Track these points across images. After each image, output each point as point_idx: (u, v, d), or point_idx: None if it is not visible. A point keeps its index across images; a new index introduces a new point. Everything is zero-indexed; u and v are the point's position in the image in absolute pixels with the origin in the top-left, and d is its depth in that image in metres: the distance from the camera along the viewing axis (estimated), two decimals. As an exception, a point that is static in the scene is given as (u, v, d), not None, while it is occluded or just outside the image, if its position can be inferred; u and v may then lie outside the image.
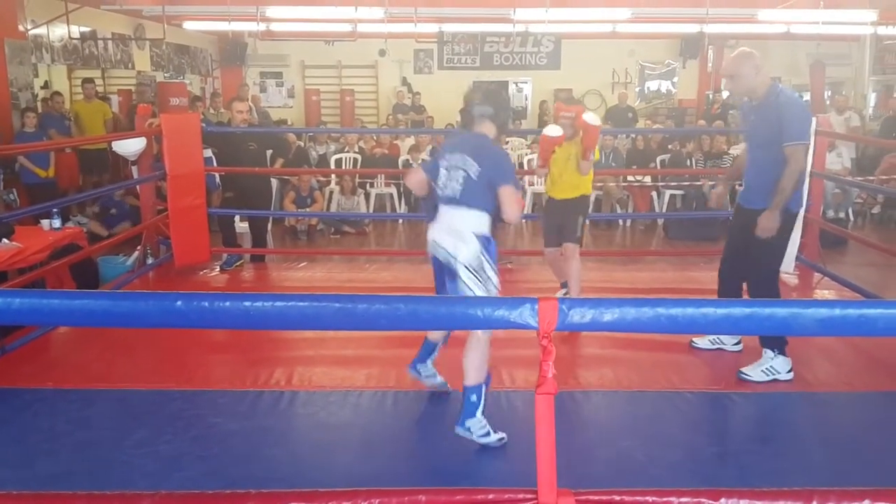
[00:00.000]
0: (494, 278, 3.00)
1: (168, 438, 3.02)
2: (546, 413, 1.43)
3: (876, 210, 9.40)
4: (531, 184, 9.63)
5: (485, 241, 2.99)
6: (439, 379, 3.42)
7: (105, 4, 10.12)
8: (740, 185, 3.94)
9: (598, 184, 9.34)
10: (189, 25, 12.04)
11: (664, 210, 9.15)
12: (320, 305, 1.34)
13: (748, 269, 3.61)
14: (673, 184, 9.22)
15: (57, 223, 5.11)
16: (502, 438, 2.95)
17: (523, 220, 9.09)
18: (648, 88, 15.60)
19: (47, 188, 7.88)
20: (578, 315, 1.35)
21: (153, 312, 1.35)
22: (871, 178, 8.82)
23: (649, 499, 1.55)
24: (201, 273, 5.67)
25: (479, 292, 2.93)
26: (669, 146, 10.17)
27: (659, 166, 9.66)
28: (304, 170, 9.04)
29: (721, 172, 8.90)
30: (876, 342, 3.67)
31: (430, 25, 12.42)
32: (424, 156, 9.83)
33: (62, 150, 8.56)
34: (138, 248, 5.71)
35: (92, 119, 9.43)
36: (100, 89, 10.70)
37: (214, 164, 6.37)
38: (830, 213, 8.26)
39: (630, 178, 9.28)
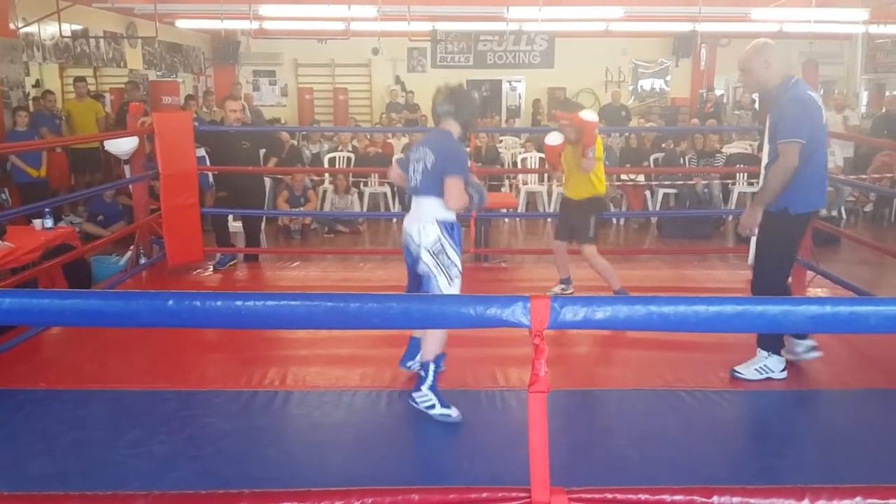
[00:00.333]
0: (457, 261, 3.25)
1: (162, 439, 3.01)
2: (539, 411, 1.43)
3: (868, 208, 9.45)
4: (525, 183, 9.64)
5: (447, 227, 3.25)
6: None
7: (97, 2, 10.08)
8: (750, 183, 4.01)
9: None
10: (181, 24, 12.01)
11: (658, 208, 9.16)
12: (312, 304, 1.33)
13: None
14: (666, 182, 9.23)
15: (49, 223, 5.09)
16: (448, 415, 3.16)
17: (517, 220, 9.12)
18: (642, 87, 15.63)
19: (39, 188, 7.84)
20: (571, 313, 1.35)
21: (145, 312, 1.35)
22: (864, 176, 8.86)
23: (642, 497, 1.56)
24: (194, 273, 5.65)
25: (441, 276, 3.22)
26: (663, 145, 10.19)
27: (652, 165, 9.67)
28: (297, 169, 9.03)
29: (714, 171, 8.94)
30: (869, 339, 3.68)
31: (423, 24, 12.41)
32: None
33: (54, 149, 8.52)
34: (131, 247, 5.69)
35: (84, 118, 9.38)
36: (92, 88, 10.65)
37: (207, 163, 6.36)
38: (823, 212, 8.30)
39: (624, 176, 9.28)
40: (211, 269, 5.75)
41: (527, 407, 1.50)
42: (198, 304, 1.32)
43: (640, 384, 3.58)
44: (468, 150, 8.72)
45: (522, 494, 1.57)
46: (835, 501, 1.47)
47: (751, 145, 10.42)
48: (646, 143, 10.21)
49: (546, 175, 9.76)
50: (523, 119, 15.18)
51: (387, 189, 9.53)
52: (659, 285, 5.44)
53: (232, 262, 5.90)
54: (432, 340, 3.23)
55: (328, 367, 3.77)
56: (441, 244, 3.22)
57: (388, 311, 1.33)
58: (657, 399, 3.42)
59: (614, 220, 9.13)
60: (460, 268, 3.26)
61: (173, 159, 5.33)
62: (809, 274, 5.30)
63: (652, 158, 9.82)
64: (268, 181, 7.83)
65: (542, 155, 10.05)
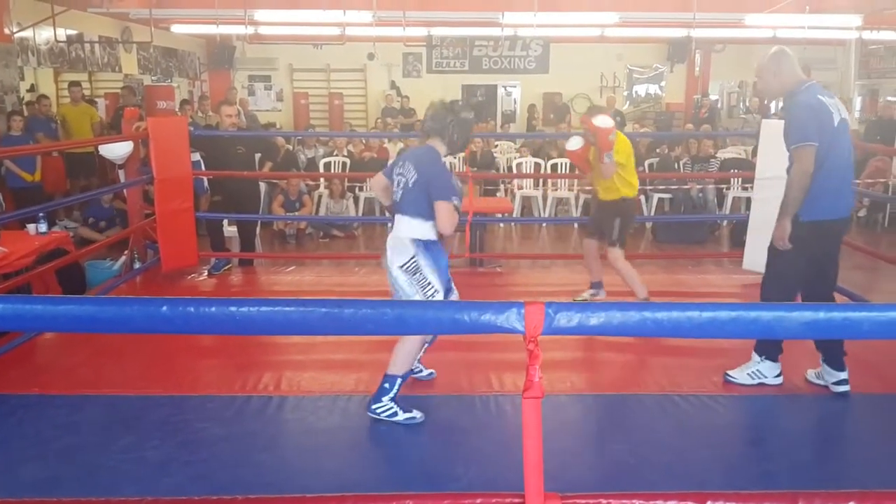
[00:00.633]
0: (436, 281, 3.20)
1: (155, 444, 3.00)
2: (533, 417, 1.43)
3: (862, 213, 9.48)
4: (520, 187, 9.65)
5: (422, 246, 3.19)
6: (425, 371, 3.69)
7: (92, 7, 10.07)
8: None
9: (588, 188, 9.39)
10: (177, 28, 12.00)
11: (652, 213, 9.18)
12: (307, 310, 1.33)
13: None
14: (661, 187, 9.25)
15: (43, 227, 5.07)
16: (412, 417, 3.20)
17: (512, 224, 9.13)
18: (636, 92, 15.67)
19: (33, 192, 7.83)
20: (565, 319, 1.36)
21: (138, 318, 1.34)
22: (857, 181, 8.89)
23: (636, 502, 1.56)
24: (189, 277, 5.64)
25: (415, 294, 3.17)
26: (657, 150, 10.22)
27: (647, 170, 9.69)
28: (292, 174, 9.02)
29: (708, 176, 8.96)
30: (864, 345, 3.68)
31: (418, 29, 12.44)
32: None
33: (49, 153, 8.51)
34: (125, 252, 5.68)
35: (79, 122, 9.38)
36: (87, 93, 10.64)
37: (202, 167, 6.35)
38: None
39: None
40: (206, 273, 5.74)
41: (521, 412, 1.50)
42: (192, 310, 1.32)
43: (636, 389, 3.58)
44: (463, 154, 8.77)
45: (517, 500, 1.56)
46: (828, 507, 1.47)
47: (745, 150, 10.46)
48: (640, 149, 10.22)
49: (541, 180, 9.78)
50: (518, 124, 15.21)
51: (382, 194, 9.52)
52: (654, 290, 5.43)
53: (227, 267, 5.89)
54: (405, 355, 3.22)
55: (323, 372, 3.76)
56: (416, 264, 3.18)
57: (382, 317, 1.33)
58: (652, 404, 3.42)
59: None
60: (438, 286, 3.20)
61: (168, 164, 5.33)
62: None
63: (647, 163, 9.84)
64: (263, 186, 7.83)
65: (538, 160, 10.09)
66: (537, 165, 9.98)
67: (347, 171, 9.71)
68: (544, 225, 9.34)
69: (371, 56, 14.33)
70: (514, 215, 9.07)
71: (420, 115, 13.36)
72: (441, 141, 3.26)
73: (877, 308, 1.37)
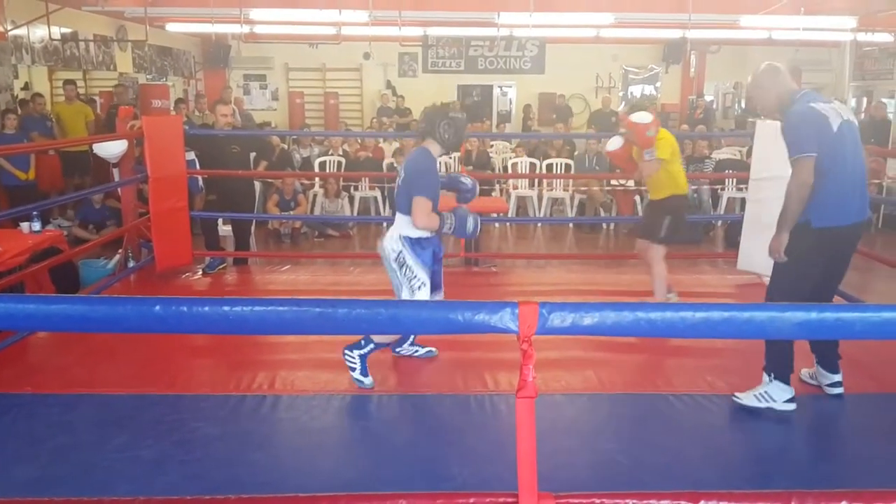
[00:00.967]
0: (422, 275, 3.45)
1: (150, 443, 3.00)
2: (527, 416, 1.43)
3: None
4: (515, 187, 9.66)
5: (409, 242, 3.43)
6: (424, 349, 3.94)
7: (86, 5, 10.03)
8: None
9: (583, 188, 9.40)
10: (172, 27, 11.96)
11: (648, 213, 9.18)
12: (300, 310, 1.33)
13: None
14: (656, 187, 9.25)
15: (37, 226, 5.05)
16: (362, 381, 3.51)
17: (507, 224, 9.13)
18: (632, 93, 15.68)
19: (27, 191, 7.80)
20: (559, 319, 1.36)
21: (130, 317, 1.34)
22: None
23: (629, 502, 1.56)
24: (183, 277, 5.63)
25: (403, 284, 3.45)
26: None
27: (642, 170, 9.69)
28: (287, 173, 9.01)
29: (703, 176, 8.98)
30: (858, 345, 3.70)
31: (414, 29, 12.42)
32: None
33: (43, 152, 8.48)
34: (119, 251, 5.67)
35: (73, 121, 9.34)
36: (81, 91, 10.60)
37: (197, 166, 6.34)
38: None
39: (613, 181, 9.32)
40: (200, 272, 5.73)
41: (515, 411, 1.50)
42: (185, 309, 1.31)
43: (630, 388, 3.59)
44: (458, 154, 8.76)
45: (510, 499, 1.56)
46: (820, 506, 1.48)
47: (740, 151, 10.48)
48: (636, 149, 10.25)
49: (537, 181, 9.78)
50: (514, 124, 15.21)
51: (377, 193, 9.52)
52: (649, 289, 5.46)
53: (221, 266, 5.88)
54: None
55: (317, 371, 3.76)
56: (403, 258, 3.43)
57: (376, 317, 1.33)
58: (647, 403, 3.43)
59: (604, 225, 9.16)
60: (425, 280, 3.45)
61: (162, 163, 5.32)
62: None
63: (642, 164, 9.85)
64: (257, 185, 7.82)
65: (533, 160, 10.10)
66: (532, 165, 9.99)
67: (343, 170, 9.70)
68: (539, 225, 9.34)
69: (367, 56, 14.32)
70: (510, 215, 9.07)
71: (416, 115, 13.41)
72: (434, 141, 3.47)
73: (869, 309, 1.38)
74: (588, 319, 1.36)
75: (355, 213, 9.34)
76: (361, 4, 9.97)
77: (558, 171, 9.75)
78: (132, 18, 10.92)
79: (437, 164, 3.50)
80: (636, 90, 15.70)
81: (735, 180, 8.97)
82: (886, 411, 3.39)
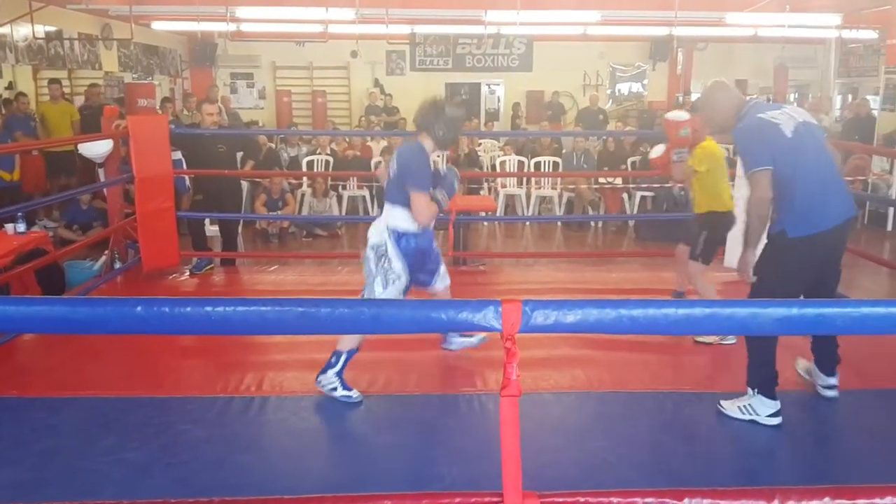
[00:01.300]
0: (399, 269, 3.38)
1: (136, 446, 2.98)
2: (511, 415, 1.43)
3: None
4: (503, 186, 9.66)
5: (395, 235, 3.38)
6: (477, 337, 3.87)
7: (71, 4, 9.96)
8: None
9: (571, 186, 9.42)
10: (157, 25, 11.90)
11: (635, 211, 9.23)
12: (283, 310, 1.32)
13: None
14: (643, 185, 9.30)
15: (22, 227, 5.01)
16: (349, 396, 3.40)
17: (496, 223, 9.13)
18: (619, 90, 15.73)
19: (11, 192, 7.74)
20: (542, 317, 1.36)
21: (112, 319, 1.33)
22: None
23: (614, 500, 1.56)
24: (170, 277, 5.60)
25: (378, 277, 3.38)
26: (640, 148, 10.26)
27: (630, 168, 9.74)
28: (275, 172, 8.98)
29: (690, 174, 8.99)
30: (842, 340, 3.71)
31: (401, 27, 12.41)
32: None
33: (29, 152, 8.41)
34: (105, 252, 5.63)
35: (58, 121, 9.27)
36: (66, 91, 10.52)
37: (184, 166, 6.30)
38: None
39: (601, 179, 9.34)
40: (187, 273, 5.70)
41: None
42: (167, 310, 1.30)
43: (617, 386, 3.60)
44: (448, 153, 8.76)
45: (495, 499, 1.56)
46: (803, 502, 1.49)
47: (727, 148, 10.51)
48: (624, 147, 10.28)
49: (525, 179, 9.78)
50: (502, 122, 15.22)
51: (365, 192, 9.50)
52: (636, 287, 5.48)
53: (209, 267, 5.85)
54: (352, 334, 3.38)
55: (305, 372, 3.74)
56: (385, 248, 3.37)
57: (359, 316, 1.33)
58: (633, 401, 3.44)
59: (592, 223, 9.18)
60: (400, 273, 3.38)
61: (148, 162, 5.28)
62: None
63: (629, 161, 9.89)
64: (245, 184, 7.79)
65: (521, 158, 10.11)
66: (521, 163, 10.00)
67: (331, 169, 9.68)
68: (528, 223, 9.35)
69: (354, 54, 14.29)
70: (498, 213, 9.08)
71: (403, 113, 13.40)
72: (427, 134, 3.38)
73: (850, 304, 1.39)
74: (571, 317, 1.36)
75: (343, 213, 9.32)
76: (348, 2, 9.95)
77: (546, 170, 9.77)
78: (117, 17, 10.86)
79: (430, 159, 3.42)
80: (623, 87, 15.75)
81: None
82: (871, 407, 3.41)
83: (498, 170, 10.07)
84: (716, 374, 3.76)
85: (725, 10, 10.49)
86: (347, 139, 10.62)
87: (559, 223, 9.22)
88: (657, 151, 4.47)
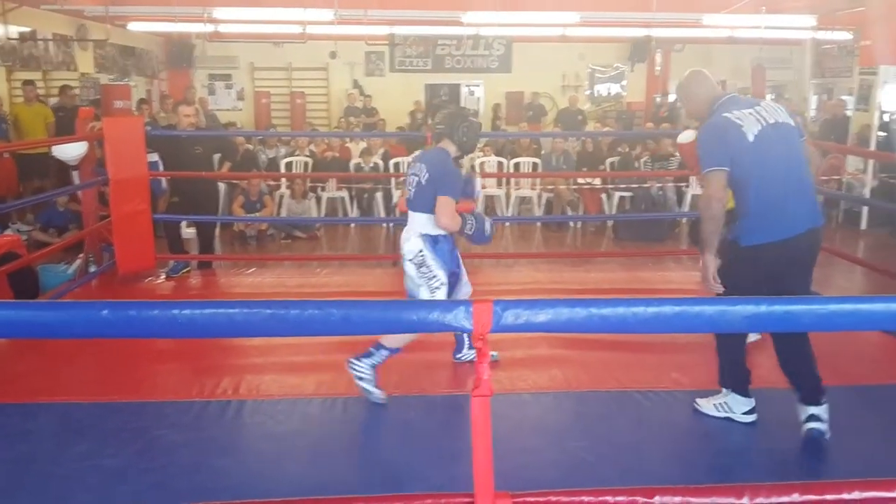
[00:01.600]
0: (441, 275, 3.40)
1: (112, 451, 2.95)
2: (482, 416, 1.43)
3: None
4: (484, 186, 9.66)
5: (430, 240, 3.41)
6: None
7: (45, 4, 9.83)
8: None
9: (549, 186, 9.45)
10: (134, 26, 11.77)
11: (614, 211, 9.27)
12: (251, 312, 1.31)
13: None
14: (622, 186, 9.35)
15: (-7, 231, 4.94)
16: (372, 392, 3.35)
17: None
18: (598, 91, 15.81)
19: (-16, 195, 7.62)
20: (513, 316, 1.36)
21: (79, 323, 1.31)
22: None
23: (585, 499, 1.57)
24: (146, 280, 5.55)
25: (421, 284, 3.39)
26: (619, 149, 10.32)
27: (608, 168, 9.78)
28: (253, 174, 8.91)
29: (668, 174, 9.08)
30: (815, 337, 3.75)
31: (380, 28, 12.39)
32: (376, 159, 9.82)
33: (0, 154, 8.28)
34: (80, 255, 5.56)
35: (32, 123, 9.13)
36: (41, 92, 10.37)
37: (161, 168, 6.24)
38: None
39: (580, 180, 9.37)
40: (163, 276, 5.64)
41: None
42: (134, 313, 1.29)
43: (595, 386, 3.61)
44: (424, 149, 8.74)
45: (466, 500, 1.56)
46: (773, 498, 1.50)
47: (678, 146, 10.60)
48: (602, 147, 10.33)
49: (504, 179, 9.79)
50: (482, 123, 15.20)
51: (344, 194, 9.46)
52: (614, 287, 5.51)
53: (185, 270, 5.80)
54: (401, 335, 3.34)
55: (283, 375, 3.73)
56: (423, 256, 3.39)
57: (328, 318, 1.32)
58: (611, 400, 3.46)
59: (571, 224, 9.21)
60: (444, 279, 3.40)
61: (123, 165, 5.23)
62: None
63: (608, 162, 9.93)
64: (222, 186, 7.73)
65: (501, 159, 10.12)
66: (500, 164, 10.01)
67: (309, 170, 9.63)
68: (507, 224, 9.37)
69: (333, 55, 14.23)
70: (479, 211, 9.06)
71: (383, 114, 13.37)
72: (451, 142, 3.48)
73: (817, 301, 1.40)
74: (542, 316, 1.36)
75: (322, 214, 9.28)
76: (326, 3, 9.92)
77: (526, 170, 9.79)
78: (93, 17, 10.73)
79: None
80: (602, 89, 15.83)
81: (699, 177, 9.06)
82: (844, 403, 3.44)
83: (478, 170, 10.06)
84: (692, 372, 3.78)
85: (702, 12, 10.59)
86: (327, 140, 10.58)
87: (538, 224, 9.24)
88: (687, 137, 4.29)
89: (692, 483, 2.12)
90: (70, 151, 5.41)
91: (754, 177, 2.88)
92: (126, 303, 1.30)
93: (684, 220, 8.99)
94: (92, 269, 5.56)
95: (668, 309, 1.36)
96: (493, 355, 3.73)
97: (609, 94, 15.81)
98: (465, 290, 3.69)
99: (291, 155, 10.02)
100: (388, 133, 12.16)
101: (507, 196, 9.56)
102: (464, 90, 15.69)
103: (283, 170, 9.70)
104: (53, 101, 10.14)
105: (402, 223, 6.88)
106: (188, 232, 6.51)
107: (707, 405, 3.27)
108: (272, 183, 9.12)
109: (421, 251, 3.39)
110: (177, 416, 3.28)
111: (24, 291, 5.04)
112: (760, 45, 12.07)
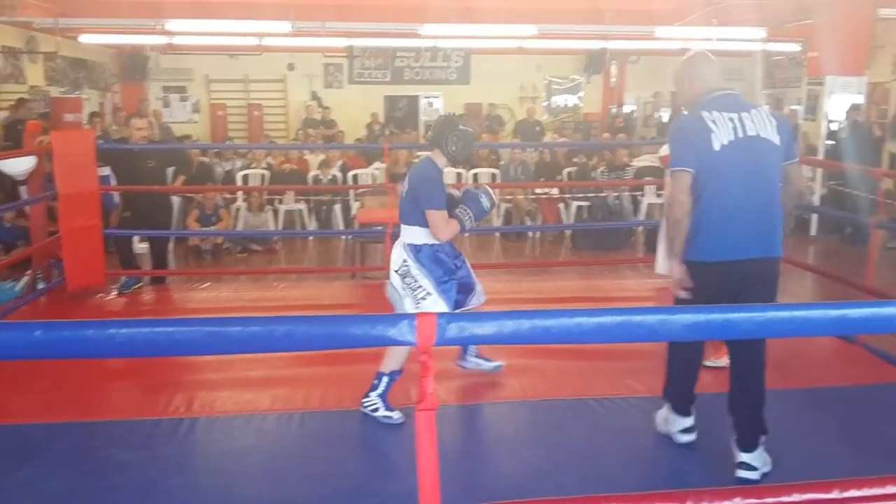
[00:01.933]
0: (427, 284, 3.33)
1: (59, 474, 2.86)
2: (426, 430, 1.42)
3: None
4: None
5: (412, 249, 3.37)
6: (491, 364, 3.82)
7: (-8, 16, 9.60)
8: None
9: (508, 196, 9.52)
10: (85, 38, 11.55)
11: (572, 221, 9.37)
12: (191, 330, 1.28)
13: None
14: (579, 195, 9.46)
15: (-65, 248, 4.79)
16: (390, 417, 3.29)
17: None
18: (555, 103, 15.98)
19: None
20: (457, 329, 1.35)
21: (9, 345, 1.25)
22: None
23: (537, 509, 1.56)
24: (96, 297, 5.41)
25: (406, 296, 3.35)
26: (575, 159, 10.45)
27: (566, 178, 9.89)
28: (208, 187, 8.80)
29: (624, 184, 9.21)
30: (771, 343, 3.82)
31: (339, 40, 12.36)
32: (335, 171, 9.77)
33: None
34: (28, 272, 5.41)
35: (-21, 137, 8.90)
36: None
37: (113, 182, 6.12)
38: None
39: (538, 190, 9.46)
40: (114, 293, 5.52)
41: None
42: (67, 333, 1.25)
43: (552, 394, 3.63)
44: (383, 164, 8.73)
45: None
46: (715, 503, 1.52)
47: (658, 158, 10.80)
48: (559, 158, 10.45)
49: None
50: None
51: (302, 206, 9.40)
52: (572, 296, 5.56)
53: (137, 286, 5.67)
54: (394, 356, 3.33)
55: (238, 391, 3.67)
56: (406, 266, 3.35)
57: (271, 334, 1.30)
58: (567, 409, 3.48)
59: (530, 234, 9.28)
60: (430, 289, 3.32)
61: (73, 179, 5.11)
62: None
63: (565, 172, 10.05)
64: (176, 200, 7.61)
65: (459, 170, 10.16)
66: (459, 175, 10.04)
67: (267, 183, 9.55)
68: (466, 234, 9.39)
69: (291, 66, 14.16)
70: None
71: (342, 126, 13.33)
72: (440, 151, 3.41)
73: (756, 308, 1.43)
74: (486, 328, 1.36)
75: (280, 227, 9.20)
76: (283, 15, 9.86)
77: (484, 181, 9.84)
78: (42, 29, 10.50)
79: (443, 175, 3.43)
80: (560, 100, 16.01)
81: (654, 187, 9.22)
82: (794, 407, 3.52)
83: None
84: (647, 378, 3.81)
85: (655, 25, 10.79)
86: (284, 153, 10.50)
87: (497, 234, 9.29)
88: (666, 150, 4.35)
89: (647, 489, 2.15)
90: (18, 166, 5.28)
91: (709, 188, 2.68)
92: (60, 323, 1.26)
93: (640, 228, 9.12)
94: (40, 286, 5.41)
95: (609, 319, 1.37)
96: (499, 365, 3.83)
97: (566, 105, 16.00)
98: (475, 301, 3.59)
99: (248, 167, 9.92)
100: (347, 145, 12.12)
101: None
102: (423, 102, 15.73)
103: (239, 182, 9.60)
104: (2, 114, 9.89)
105: (360, 236, 6.85)
106: (141, 247, 6.38)
107: (658, 417, 3.24)
108: (228, 196, 9.02)
109: (405, 261, 3.36)
110: (127, 436, 3.21)
111: (-32, 310, 4.88)
112: (713, 56, 12.32)
